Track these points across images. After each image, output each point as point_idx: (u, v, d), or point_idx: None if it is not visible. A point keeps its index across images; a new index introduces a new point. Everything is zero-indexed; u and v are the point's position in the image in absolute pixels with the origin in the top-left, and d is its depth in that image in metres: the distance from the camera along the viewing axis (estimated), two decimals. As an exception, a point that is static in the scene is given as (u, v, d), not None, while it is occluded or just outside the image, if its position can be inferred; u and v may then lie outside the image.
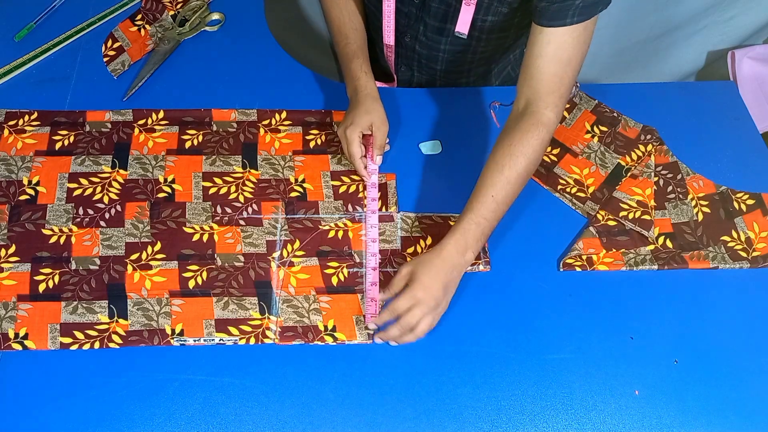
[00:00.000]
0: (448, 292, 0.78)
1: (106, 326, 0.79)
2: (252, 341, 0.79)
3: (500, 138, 0.83)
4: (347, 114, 0.90)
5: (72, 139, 0.94)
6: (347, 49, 0.95)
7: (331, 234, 0.87)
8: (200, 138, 0.95)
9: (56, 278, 0.82)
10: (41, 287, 0.81)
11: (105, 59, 1.03)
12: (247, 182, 0.91)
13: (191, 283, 0.82)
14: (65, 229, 0.86)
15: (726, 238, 0.88)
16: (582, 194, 0.91)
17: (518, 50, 1.09)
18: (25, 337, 0.78)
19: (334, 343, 0.79)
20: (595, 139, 0.97)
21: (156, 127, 0.95)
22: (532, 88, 0.82)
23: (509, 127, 0.84)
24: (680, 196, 0.92)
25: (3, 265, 0.83)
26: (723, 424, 0.75)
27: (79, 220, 0.86)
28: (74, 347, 0.78)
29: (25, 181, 0.89)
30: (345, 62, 0.95)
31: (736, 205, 0.91)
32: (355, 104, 0.90)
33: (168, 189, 0.90)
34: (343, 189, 0.91)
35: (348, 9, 0.98)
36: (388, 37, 0.99)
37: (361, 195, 0.90)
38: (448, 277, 0.77)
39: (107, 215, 0.87)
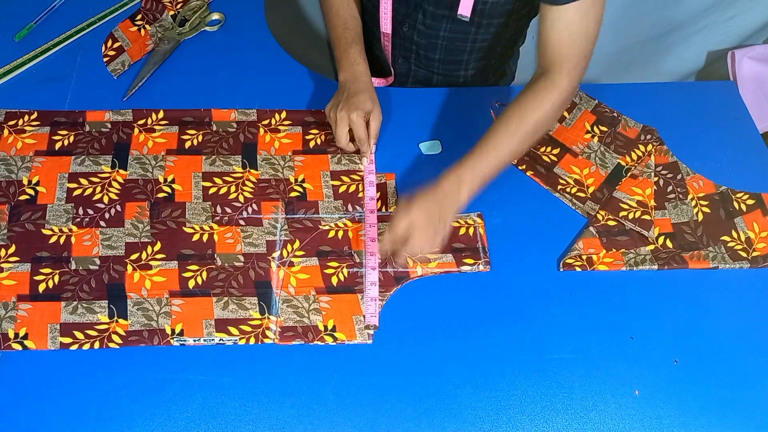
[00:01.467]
0: (441, 217, 0.79)
1: (106, 326, 0.79)
2: (252, 341, 0.79)
3: (514, 100, 0.86)
4: (346, 98, 0.90)
5: (72, 139, 0.94)
6: (346, 34, 0.95)
7: (331, 234, 0.87)
8: (200, 138, 0.95)
9: (56, 278, 0.82)
10: (41, 287, 0.81)
11: (105, 59, 1.03)
12: (247, 182, 0.91)
13: (191, 283, 0.82)
14: (65, 229, 0.86)
15: (726, 238, 0.88)
16: (582, 194, 0.91)
17: (515, 47, 1.10)
18: (25, 337, 0.78)
19: (334, 343, 0.79)
20: (595, 139, 0.97)
21: (156, 127, 0.95)
22: (547, 59, 0.84)
23: (523, 90, 0.87)
24: (680, 196, 0.92)
25: (3, 265, 0.83)
26: (723, 424, 0.75)
27: (79, 220, 0.86)
28: (74, 347, 0.78)
29: (25, 181, 0.89)
30: (343, 47, 0.95)
31: (736, 205, 0.91)
32: (355, 90, 0.90)
33: (168, 189, 0.90)
34: (342, 189, 0.91)
35: None
36: (385, 24, 0.99)
37: (360, 195, 0.90)
38: (438, 204, 0.79)
39: (107, 215, 0.87)
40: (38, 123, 0.95)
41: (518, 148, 0.84)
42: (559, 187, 0.92)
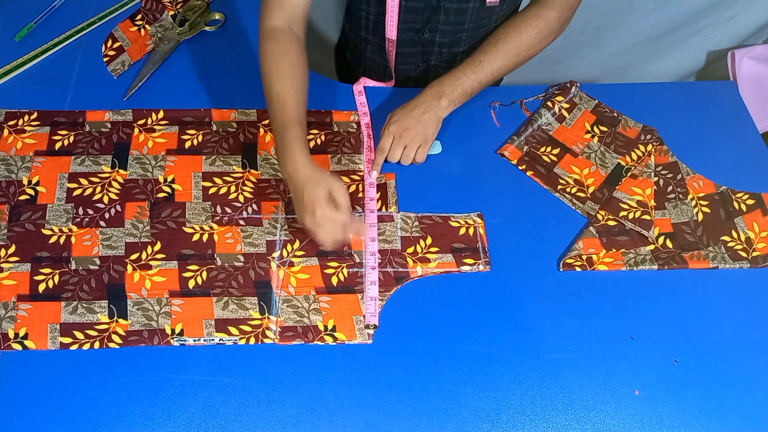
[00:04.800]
0: (425, 127, 0.89)
1: (106, 326, 0.79)
2: (252, 341, 0.79)
3: (504, 23, 0.94)
4: (299, 201, 0.78)
5: (72, 139, 0.94)
6: (283, 116, 0.82)
7: (331, 234, 0.87)
8: (200, 138, 0.95)
9: (56, 278, 0.82)
10: (41, 287, 0.81)
11: (105, 59, 1.03)
12: (246, 182, 0.91)
13: (191, 283, 0.82)
14: (65, 229, 0.86)
15: (726, 238, 0.88)
16: (582, 194, 0.91)
17: None
18: (25, 337, 0.78)
19: (334, 343, 0.79)
20: (595, 139, 0.97)
21: (156, 127, 0.95)
22: None
23: (515, 15, 0.94)
24: (680, 196, 0.92)
25: (3, 265, 0.83)
26: (723, 424, 0.75)
27: (78, 220, 0.86)
28: (74, 347, 0.77)
29: (25, 181, 0.89)
30: (279, 132, 0.82)
31: (736, 205, 0.91)
32: (301, 185, 0.78)
33: (168, 189, 0.90)
34: (343, 189, 0.91)
35: (293, 78, 0.84)
36: (391, 31, 0.98)
37: (360, 195, 0.90)
38: (420, 114, 0.89)
39: (107, 215, 0.87)
40: (38, 123, 0.95)
41: (500, 68, 0.92)
42: (559, 187, 0.92)
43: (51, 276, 0.82)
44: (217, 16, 1.09)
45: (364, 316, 0.81)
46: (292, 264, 0.84)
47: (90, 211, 0.87)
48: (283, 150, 0.80)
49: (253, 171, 0.92)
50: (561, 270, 0.85)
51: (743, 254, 0.87)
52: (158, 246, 0.85)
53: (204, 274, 0.83)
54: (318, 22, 1.42)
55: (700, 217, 0.90)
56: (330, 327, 0.80)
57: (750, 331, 0.81)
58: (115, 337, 0.78)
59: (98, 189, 0.89)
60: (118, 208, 0.88)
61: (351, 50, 1.14)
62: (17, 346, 0.77)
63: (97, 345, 0.78)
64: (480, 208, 0.90)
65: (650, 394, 0.76)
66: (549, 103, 0.99)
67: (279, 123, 0.82)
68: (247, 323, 0.80)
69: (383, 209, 0.89)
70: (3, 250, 0.84)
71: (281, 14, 0.86)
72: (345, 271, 0.84)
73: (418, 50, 1.03)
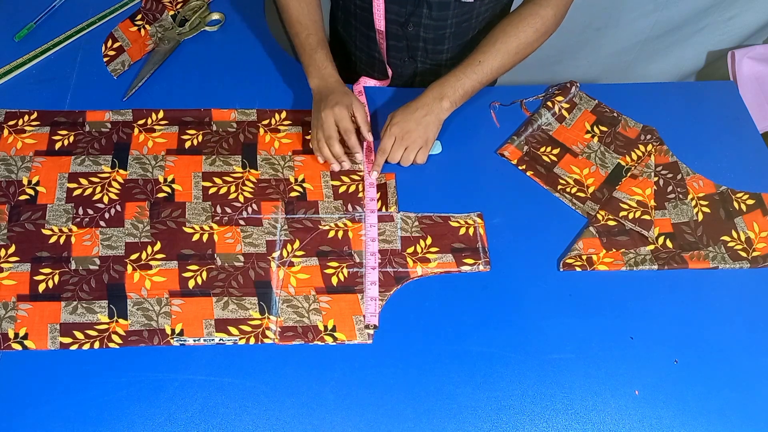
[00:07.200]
0: (426, 129, 0.90)
1: (106, 326, 0.79)
2: (252, 341, 0.79)
3: (501, 21, 0.94)
4: (324, 100, 0.91)
5: (72, 139, 0.94)
6: (310, 39, 0.95)
7: (331, 234, 0.87)
8: (200, 138, 0.95)
9: (56, 278, 0.82)
10: (41, 287, 0.81)
11: (105, 59, 1.03)
12: (246, 182, 0.91)
13: (191, 283, 0.82)
14: (65, 229, 0.86)
15: (726, 238, 0.88)
16: (582, 194, 0.91)
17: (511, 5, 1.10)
18: (25, 337, 0.78)
19: (334, 343, 0.79)
20: (595, 139, 0.97)
21: (156, 127, 0.95)
22: None
23: (511, 13, 0.95)
24: (680, 196, 0.92)
25: (3, 265, 0.83)
26: (723, 424, 0.75)
27: (78, 220, 0.86)
28: (74, 347, 0.77)
29: (25, 181, 0.89)
30: (308, 53, 0.95)
31: (736, 205, 0.91)
32: (329, 91, 0.92)
33: (168, 189, 0.90)
34: (342, 189, 0.91)
35: (308, 2, 0.97)
36: (379, 21, 0.99)
37: (361, 195, 0.90)
38: (421, 116, 0.89)
39: (107, 215, 0.87)
40: (38, 123, 0.95)
41: (499, 67, 0.92)
42: (559, 187, 0.92)
43: (51, 276, 0.82)
44: (217, 16, 1.09)
45: (364, 316, 0.81)
46: (292, 264, 0.84)
47: (90, 211, 0.87)
48: (316, 68, 0.94)
49: (253, 171, 0.92)
50: (561, 270, 0.85)
51: (743, 254, 0.87)
52: (158, 246, 0.85)
53: (204, 274, 0.83)
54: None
55: (700, 217, 0.90)
56: (330, 327, 0.80)
57: (750, 331, 0.81)
58: (115, 337, 0.78)
59: (98, 189, 0.89)
60: (118, 208, 0.88)
61: (340, 40, 1.15)
62: (17, 346, 0.77)
63: (97, 345, 0.78)
64: (480, 208, 0.90)
65: (650, 394, 0.76)
66: (549, 103, 0.99)
67: (307, 46, 0.95)
68: (247, 323, 0.80)
69: (383, 209, 0.89)
70: (3, 250, 0.84)
71: None
72: (345, 271, 0.84)
73: (404, 45, 1.03)
